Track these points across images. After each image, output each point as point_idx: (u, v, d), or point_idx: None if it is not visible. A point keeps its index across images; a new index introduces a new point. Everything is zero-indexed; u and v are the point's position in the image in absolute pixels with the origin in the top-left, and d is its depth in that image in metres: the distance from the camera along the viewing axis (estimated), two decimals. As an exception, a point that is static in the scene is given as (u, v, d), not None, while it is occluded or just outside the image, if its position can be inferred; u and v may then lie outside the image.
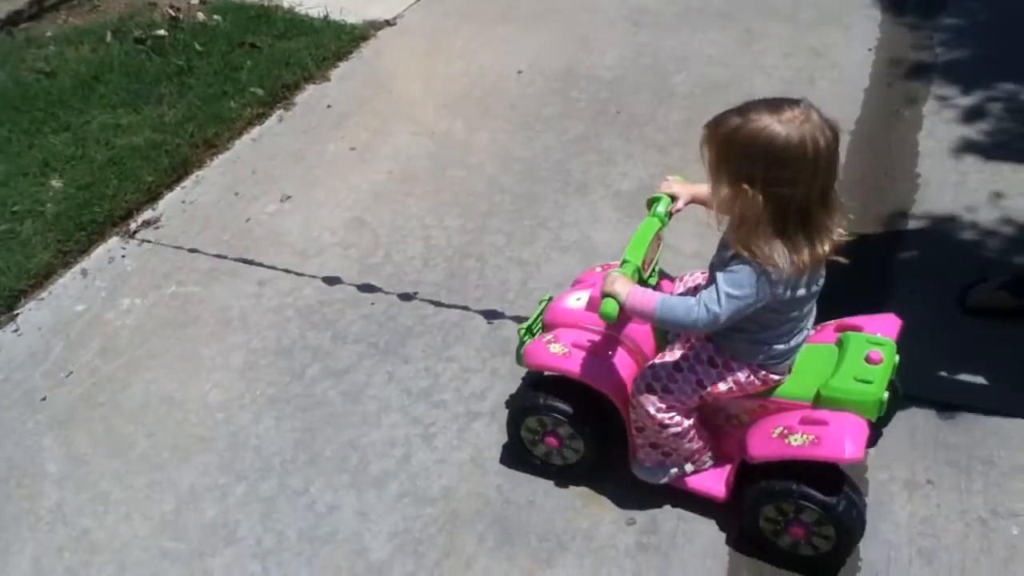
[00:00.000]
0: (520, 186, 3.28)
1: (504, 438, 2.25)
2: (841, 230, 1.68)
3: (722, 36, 4.22)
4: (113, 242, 3.14)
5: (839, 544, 1.86)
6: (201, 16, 4.58)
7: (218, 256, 3.04)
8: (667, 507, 2.09)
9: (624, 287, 1.79)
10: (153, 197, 3.36)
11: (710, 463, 2.04)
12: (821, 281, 1.78)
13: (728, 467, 2.00)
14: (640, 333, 2.03)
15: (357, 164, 3.51)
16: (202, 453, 2.34)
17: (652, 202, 2.03)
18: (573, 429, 2.05)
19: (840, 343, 1.93)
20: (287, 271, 2.96)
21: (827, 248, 1.66)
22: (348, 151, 3.60)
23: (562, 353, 1.99)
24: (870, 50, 3.97)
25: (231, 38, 4.37)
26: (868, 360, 1.84)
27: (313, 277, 2.93)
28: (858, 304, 2.29)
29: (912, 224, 2.93)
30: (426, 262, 2.94)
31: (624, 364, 1.99)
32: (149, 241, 3.13)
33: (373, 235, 3.10)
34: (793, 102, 1.60)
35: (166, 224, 3.22)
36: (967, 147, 3.27)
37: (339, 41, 4.42)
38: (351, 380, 2.52)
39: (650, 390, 1.90)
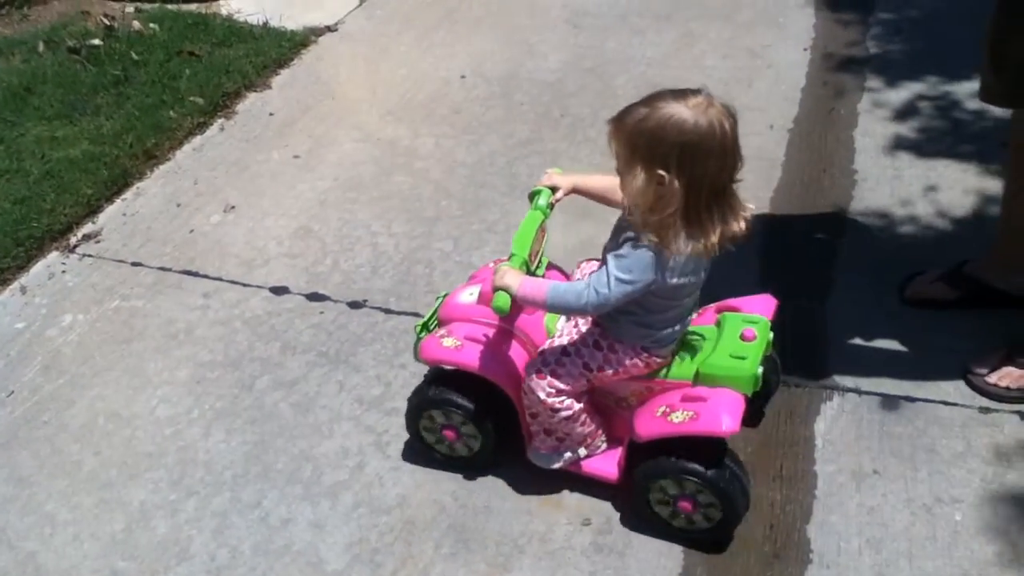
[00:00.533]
0: (466, 191, 3.29)
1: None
2: (745, 214, 1.75)
3: (662, 38, 4.28)
4: (53, 257, 3.08)
5: (727, 514, 1.94)
6: (137, 25, 4.50)
7: (162, 269, 2.99)
8: (623, 507, 2.11)
9: (515, 279, 1.85)
10: (93, 210, 3.30)
11: (603, 447, 2.10)
12: (703, 273, 1.85)
13: (620, 450, 2.06)
14: (530, 324, 2.09)
15: (302, 172, 3.48)
16: (151, 469, 2.30)
17: (533, 195, 2.09)
18: (470, 421, 2.10)
19: (719, 324, 2.02)
20: (233, 282, 2.93)
21: (741, 226, 1.74)
22: (292, 159, 3.57)
23: (455, 346, 2.04)
24: (806, 50, 4.06)
25: (169, 47, 4.30)
26: (743, 338, 1.93)
27: (260, 287, 2.90)
28: (799, 300, 2.35)
29: (850, 219, 3.01)
30: (375, 269, 2.94)
31: (516, 354, 2.05)
32: (90, 255, 3.07)
33: (320, 243, 3.08)
34: (695, 91, 1.67)
35: (107, 238, 3.16)
36: (901, 143, 3.37)
37: (280, 48, 4.38)
38: (302, 391, 2.50)
39: (539, 375, 1.94)
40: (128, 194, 3.41)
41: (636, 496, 2.01)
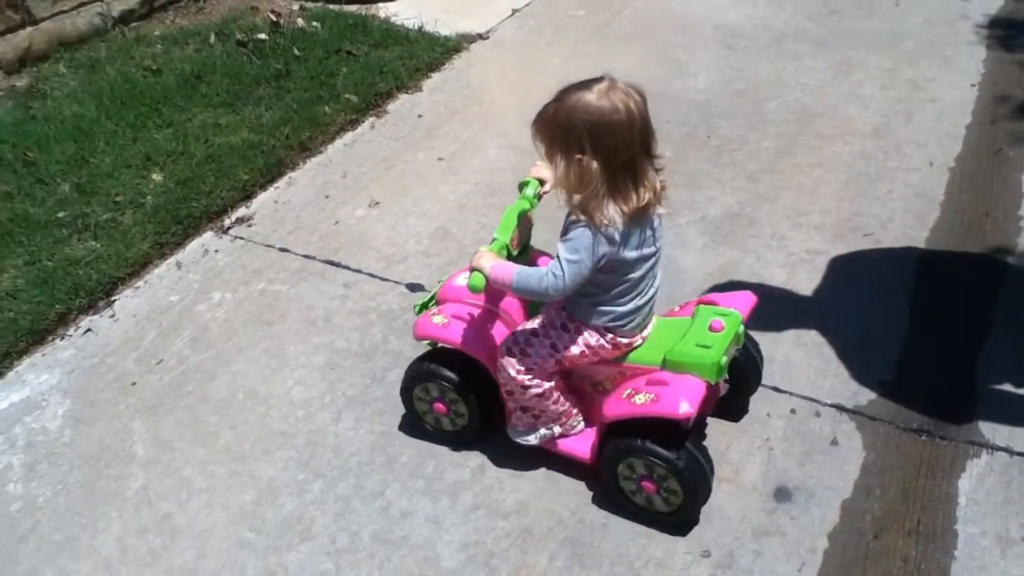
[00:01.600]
0: (606, 205, 3.27)
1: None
2: (661, 179, 1.90)
3: (818, 64, 4.15)
4: (207, 237, 3.24)
5: (686, 498, 2.01)
6: (301, 22, 4.71)
7: (307, 256, 3.11)
8: (745, 542, 2.05)
9: (488, 261, 2.00)
10: (247, 195, 3.46)
11: (580, 427, 2.20)
12: (654, 247, 1.96)
13: (594, 431, 2.16)
14: (513, 305, 2.21)
15: (445, 174, 3.55)
16: (283, 448, 2.39)
17: (522, 186, 2.20)
18: (458, 396, 2.22)
19: (694, 315, 2.11)
20: (372, 275, 3.01)
21: (657, 188, 1.88)
22: (436, 161, 3.65)
23: (442, 324, 2.20)
24: (973, 86, 3.86)
25: (328, 45, 4.48)
26: (711, 328, 2.02)
27: (397, 283, 2.97)
28: (950, 347, 2.22)
29: (1012, 266, 2.83)
30: (509, 275, 2.96)
31: (498, 333, 2.17)
32: (241, 238, 3.22)
33: (457, 245, 3.13)
34: (598, 78, 1.86)
35: (258, 222, 3.31)
36: (1074, 191, 3.16)
37: (432, 52, 4.49)
38: (430, 387, 2.54)
39: (510, 354, 2.07)
40: (281, 183, 3.56)
41: (605, 472, 2.10)
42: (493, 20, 4.91)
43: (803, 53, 4.26)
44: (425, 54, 4.45)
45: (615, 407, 2.03)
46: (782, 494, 2.16)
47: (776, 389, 2.44)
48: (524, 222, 2.15)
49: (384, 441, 2.38)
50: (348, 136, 3.87)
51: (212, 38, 4.54)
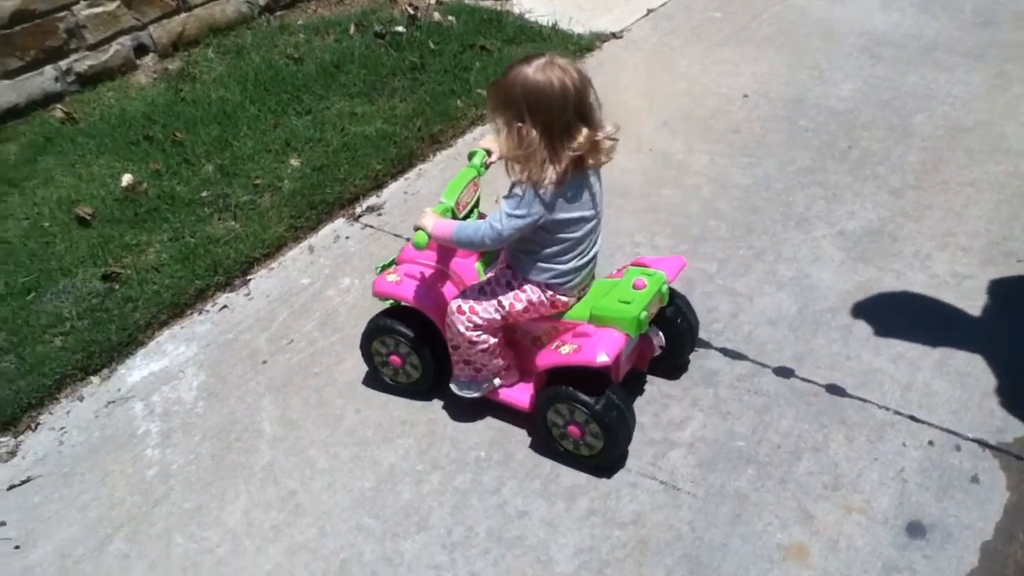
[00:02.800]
0: (737, 213, 3.20)
1: (702, 473, 2.21)
2: (609, 140, 2.10)
3: (971, 77, 3.94)
4: (339, 223, 3.33)
5: (607, 441, 2.18)
6: (437, 16, 4.77)
7: (433, 248, 3.15)
8: None
9: (430, 220, 2.19)
10: (378, 185, 3.53)
11: (517, 379, 2.40)
12: (594, 211, 2.14)
13: (531, 383, 2.35)
14: (463, 266, 2.36)
15: (573, 173, 3.53)
16: (403, 436, 2.43)
17: (471, 155, 2.39)
18: (411, 349, 2.40)
19: (623, 275, 2.29)
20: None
21: (600, 158, 2.09)
22: (565, 159, 3.63)
23: (395, 282, 2.39)
24: None
25: (463, 39, 4.52)
26: (634, 286, 2.21)
27: (521, 280, 2.97)
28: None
29: None
30: (634, 280, 2.92)
31: (448, 292, 2.35)
32: (371, 226, 3.29)
33: (583, 246, 3.11)
34: (539, 54, 2.05)
35: (388, 212, 3.37)
36: None
37: (565, 50, 4.46)
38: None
39: (459, 310, 2.23)
40: (411, 174, 3.62)
41: (538, 418, 2.28)
42: (628, 19, 4.86)
43: (954, 65, 4.05)
44: (558, 51, 4.44)
45: (545, 358, 2.22)
46: (915, 529, 2.06)
47: (913, 418, 2.33)
48: (471, 188, 2.35)
49: (502, 438, 2.39)
50: (478, 130, 3.90)
51: (351, 29, 4.65)
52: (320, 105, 3.98)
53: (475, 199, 2.38)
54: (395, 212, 3.37)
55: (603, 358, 2.09)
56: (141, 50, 4.39)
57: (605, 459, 2.23)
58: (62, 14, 4.01)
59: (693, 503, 2.16)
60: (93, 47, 4.18)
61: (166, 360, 2.76)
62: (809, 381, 2.48)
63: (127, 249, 3.13)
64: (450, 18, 4.74)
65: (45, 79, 4.03)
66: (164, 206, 3.32)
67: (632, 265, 2.36)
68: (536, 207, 2.05)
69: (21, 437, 2.54)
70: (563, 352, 2.16)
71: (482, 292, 2.25)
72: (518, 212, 2.06)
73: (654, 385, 2.50)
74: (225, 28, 4.67)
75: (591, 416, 2.15)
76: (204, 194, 3.38)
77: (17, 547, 2.21)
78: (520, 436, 2.39)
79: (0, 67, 3.85)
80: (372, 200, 3.46)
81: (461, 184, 2.31)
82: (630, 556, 2.06)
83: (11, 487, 2.38)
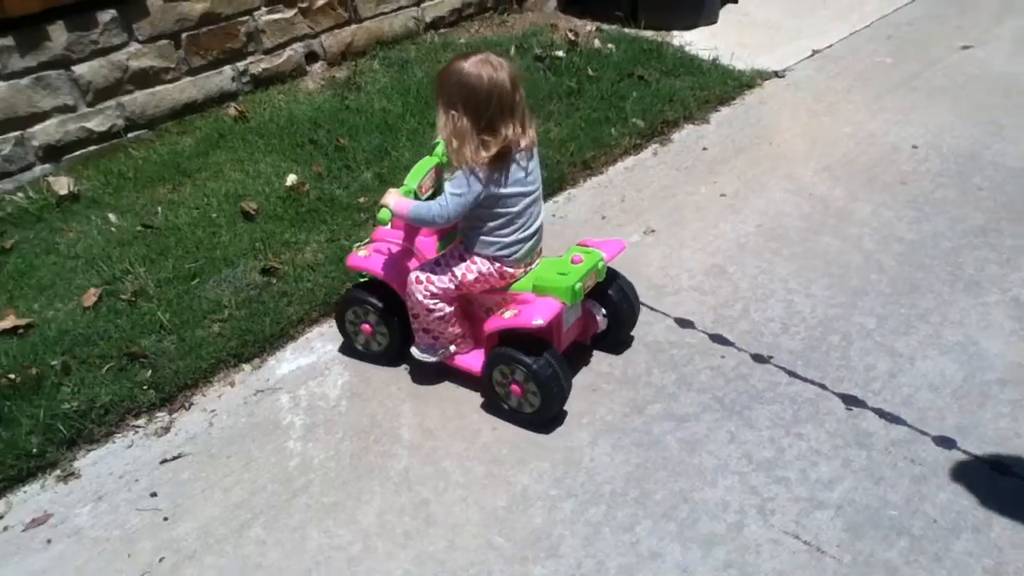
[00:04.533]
0: (901, 269, 3.05)
1: (850, 538, 2.10)
2: (530, 133, 2.39)
3: None
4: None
5: (544, 399, 2.42)
6: (597, 43, 4.79)
7: (579, 274, 3.14)
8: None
9: (393, 198, 2.47)
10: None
11: (471, 347, 2.64)
12: (530, 187, 2.41)
13: (483, 350, 2.59)
14: (426, 244, 2.62)
15: (726, 211, 3.47)
16: (538, 459, 2.41)
17: (434, 145, 2.62)
18: (379, 319, 2.66)
19: (565, 254, 2.53)
20: (640, 303, 2.98)
21: (522, 144, 2.34)
22: (718, 196, 3.57)
23: (364, 257, 2.67)
24: None
25: (621, 68, 4.52)
26: (572, 261, 2.48)
27: (666, 315, 2.92)
28: None
29: None
30: (785, 327, 2.83)
31: (411, 266, 2.59)
32: (519, 246, 3.31)
33: (733, 286, 3.04)
34: (479, 51, 2.33)
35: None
36: None
37: (724, 86, 4.41)
38: (691, 429, 2.47)
39: (418, 280, 2.49)
40: (560, 197, 3.63)
41: (485, 379, 2.52)
42: (791, 59, 4.76)
43: None
44: (717, 86, 4.39)
45: (492, 323, 2.47)
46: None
47: (1090, 510, 2.15)
48: (435, 173, 2.59)
49: (639, 474, 2.35)
50: (630, 160, 3.89)
51: (512, 51, 4.72)
52: (477, 122, 4.03)
53: (438, 185, 2.62)
54: (544, 234, 3.36)
55: (538, 321, 2.36)
56: (312, 57, 4.58)
57: (544, 415, 2.47)
58: (244, 19, 4.24)
59: (838, 569, 2.05)
60: (269, 51, 4.39)
61: (314, 356, 2.85)
62: (972, 455, 2.33)
63: (286, 246, 3.25)
64: (610, 46, 4.76)
65: (223, 78, 4.26)
66: (323, 208, 3.44)
67: (577, 244, 2.62)
68: (474, 185, 2.31)
69: (175, 415, 2.66)
70: (506, 317, 2.43)
71: (438, 264, 2.51)
72: (458, 191, 2.33)
73: (804, 441, 2.41)
74: (391, 41, 4.83)
75: (529, 375, 2.39)
76: (361, 199, 3.49)
77: (165, 518, 2.32)
78: (659, 476, 2.34)
79: (185, 64, 4.09)
80: (521, 219, 3.48)
81: (423, 170, 2.57)
82: (768, 615, 1.98)
83: (163, 461, 2.49)
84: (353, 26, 4.70)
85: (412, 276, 2.51)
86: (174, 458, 2.50)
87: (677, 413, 2.53)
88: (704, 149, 3.94)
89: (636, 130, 4.01)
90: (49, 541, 2.28)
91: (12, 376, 2.64)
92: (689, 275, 3.12)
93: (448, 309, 2.52)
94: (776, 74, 4.58)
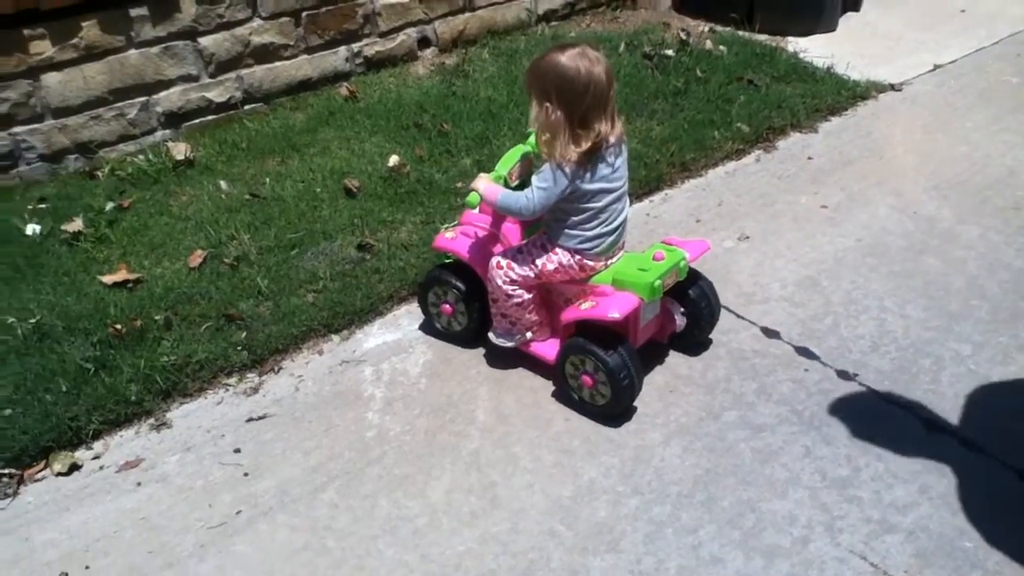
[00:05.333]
0: (1004, 297, 2.93)
1: (919, 565, 2.05)
2: (619, 128, 2.39)
3: None
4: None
5: (614, 392, 2.44)
6: (708, 44, 4.74)
7: (667, 275, 3.13)
8: None
9: (483, 183, 2.52)
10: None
11: (548, 335, 2.68)
12: (616, 183, 2.41)
13: (558, 340, 2.63)
14: (511, 231, 2.65)
15: (825, 223, 3.39)
16: (608, 454, 2.43)
17: (528, 135, 2.65)
18: (460, 299, 2.72)
19: (648, 250, 2.55)
20: (727, 309, 2.95)
21: (614, 133, 2.36)
22: (819, 208, 3.49)
23: (451, 238, 2.73)
24: None
25: (731, 71, 4.46)
26: (653, 258, 2.48)
27: (752, 324, 2.89)
28: None
29: None
30: (875, 346, 2.76)
31: (496, 249, 2.63)
32: (610, 242, 3.32)
33: (824, 300, 2.97)
34: (575, 44, 2.33)
35: (627, 231, 3.37)
36: None
37: (837, 96, 4.30)
38: (766, 440, 2.44)
39: (499, 266, 2.54)
40: (656, 197, 3.62)
41: (559, 369, 2.55)
42: (910, 72, 4.60)
43: None
44: (829, 95, 4.28)
45: (568, 313, 2.50)
46: None
47: None
48: (525, 162, 2.63)
49: (707, 479, 2.33)
50: (731, 165, 3.83)
51: (621, 47, 4.71)
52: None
53: (528, 174, 2.63)
54: (635, 233, 3.37)
55: (614, 314, 2.37)
56: (424, 42, 4.68)
57: (613, 408, 2.48)
58: (363, 1, 4.36)
59: (904, 594, 2.01)
60: (383, 34, 4.51)
61: (399, 333, 2.93)
62: (1060, 495, 2.23)
63: (383, 224, 3.35)
64: (721, 48, 4.69)
65: (338, 58, 4.40)
66: (421, 190, 3.53)
67: (661, 242, 2.63)
68: (560, 181, 2.33)
69: (264, 377, 2.78)
70: (583, 308, 2.46)
71: (520, 252, 2.55)
72: (543, 185, 2.36)
73: (881, 462, 2.35)
74: (502, 31, 4.89)
75: (601, 367, 2.41)
76: (459, 185, 3.55)
77: (246, 474, 2.43)
78: (727, 483, 2.32)
79: (303, 43, 4.25)
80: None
81: (515, 157, 2.62)
82: (825, 633, 1.94)
83: (249, 420, 2.61)
84: (466, 14, 4.77)
85: (493, 261, 2.56)
86: (260, 418, 2.62)
87: (753, 422, 2.50)
88: (809, 159, 3.85)
89: (740, 135, 3.96)
90: (139, 484, 2.42)
91: (119, 326, 2.81)
92: (780, 285, 3.07)
93: (526, 296, 2.55)
94: (892, 87, 4.44)
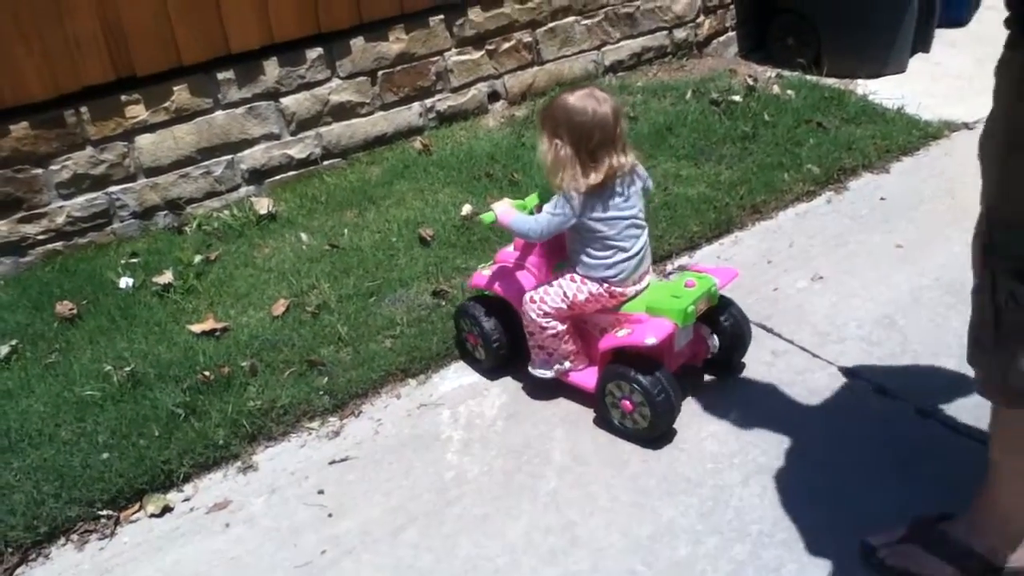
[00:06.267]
0: (1093, 333, 2.85)
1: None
2: (629, 161, 2.54)
3: None
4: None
5: (653, 416, 2.52)
6: (776, 89, 4.77)
7: (740, 316, 3.13)
8: None
9: (501, 206, 2.70)
10: (693, 246, 3.58)
11: (586, 364, 2.77)
12: (627, 212, 2.54)
13: (596, 368, 2.72)
14: (539, 265, 2.80)
15: (901, 262, 3.35)
16: (686, 494, 2.42)
17: None
18: (481, 333, 2.86)
19: (679, 277, 2.66)
20: (803, 349, 2.94)
21: (619, 164, 2.49)
22: (894, 247, 3.46)
23: (486, 275, 2.88)
24: None
25: (799, 114, 4.48)
26: (685, 285, 2.58)
27: (829, 363, 2.86)
28: None
29: None
30: (956, 384, 2.70)
31: (527, 284, 2.78)
32: (681, 285, 3.34)
33: (902, 339, 2.94)
34: (584, 86, 2.57)
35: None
36: None
37: (908, 136, 4.28)
38: (852, 478, 2.41)
39: (532, 300, 2.66)
40: (727, 240, 3.63)
41: (598, 396, 2.65)
42: (982, 111, 4.40)
43: None
44: (900, 136, 4.26)
45: (605, 341, 2.60)
46: None
47: None
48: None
49: (789, 517, 2.31)
50: (802, 206, 3.83)
51: (688, 94, 4.78)
52: (648, 163, 4.06)
53: None
54: (707, 274, 3.39)
55: (651, 340, 2.45)
56: (494, 96, 4.82)
57: (652, 432, 2.57)
58: (435, 59, 4.53)
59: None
60: (455, 90, 4.66)
61: (475, 376, 2.98)
62: None
63: (457, 271, 3.43)
64: (789, 92, 4.72)
65: (412, 114, 4.56)
66: (494, 238, 3.61)
67: (689, 268, 2.83)
68: (568, 210, 2.50)
69: (345, 420, 2.86)
70: (619, 335, 2.55)
71: (551, 285, 2.66)
72: (556, 212, 2.52)
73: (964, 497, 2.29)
74: (570, 82, 5.00)
75: (641, 392, 2.49)
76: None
77: (330, 515, 2.49)
78: (808, 521, 2.29)
79: (379, 100, 4.42)
80: (684, 259, 3.52)
81: (541, 196, 2.81)
82: (917, 676, 1.89)
83: (332, 462, 2.69)
84: (535, 68, 4.91)
85: (527, 296, 2.68)
86: (342, 460, 2.69)
87: (833, 462, 2.47)
88: (882, 199, 3.82)
89: (811, 176, 3.96)
90: (228, 525, 2.50)
91: (207, 373, 2.93)
92: (857, 325, 3.04)
93: (561, 327, 2.66)
94: (966, 126, 4.39)
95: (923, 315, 3.03)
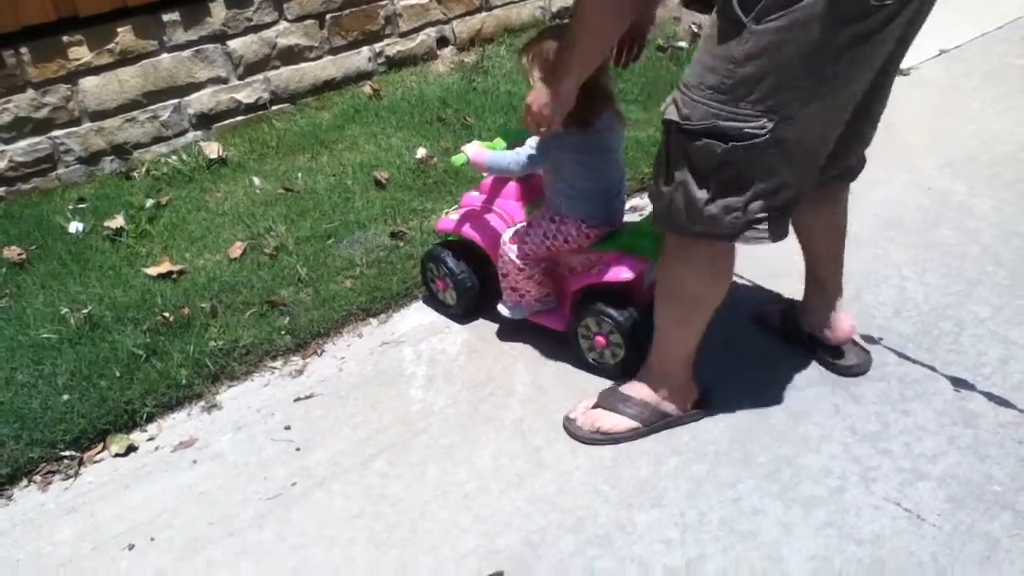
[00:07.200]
0: (1020, 263, 3.03)
1: (951, 508, 2.15)
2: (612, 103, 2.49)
3: None
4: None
5: (627, 350, 2.59)
6: (719, 36, 4.84)
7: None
8: None
9: (472, 148, 2.64)
10: (644, 187, 3.66)
11: (554, 304, 2.79)
12: (606, 151, 2.54)
13: (566, 307, 2.74)
14: (512, 207, 2.80)
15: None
16: (645, 419, 2.53)
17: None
18: (452, 277, 2.88)
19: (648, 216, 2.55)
20: (752, 282, 3.05)
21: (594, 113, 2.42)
22: (835, 187, 3.58)
23: (455, 219, 2.87)
24: None
25: (743, 60, 4.56)
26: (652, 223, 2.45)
27: (780, 294, 2.99)
28: None
29: None
30: (897, 312, 2.86)
31: (498, 226, 2.79)
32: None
33: (846, 271, 3.05)
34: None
35: (647, 210, 3.48)
36: None
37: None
38: (796, 398, 2.55)
39: (512, 240, 2.67)
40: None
41: (571, 334, 2.70)
42: (917, 58, 4.70)
43: None
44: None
45: (578, 280, 2.66)
46: None
47: None
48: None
49: (743, 438, 2.43)
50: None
51: (635, 40, 4.82)
52: (598, 107, 4.17)
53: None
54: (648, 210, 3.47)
55: (625, 275, 2.53)
56: (442, 42, 4.81)
57: (623, 367, 2.61)
58: (384, 3, 4.49)
59: (938, 535, 2.10)
60: (404, 35, 4.64)
61: (435, 315, 3.03)
62: (1084, 442, 2.33)
63: (413, 213, 3.46)
64: (732, 39, 4.80)
65: (361, 59, 4.52)
66: (449, 180, 3.64)
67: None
68: (548, 147, 2.49)
69: (308, 359, 2.89)
70: (593, 273, 2.61)
71: (530, 226, 2.66)
72: (535, 144, 2.50)
73: (909, 417, 2.45)
74: (518, 29, 5.02)
75: (615, 326, 2.56)
76: (485, 174, 3.66)
77: (297, 449, 2.54)
78: (764, 440, 2.42)
79: (327, 44, 4.37)
80: (636, 201, 3.60)
81: (515, 134, 2.73)
82: (866, 572, 2.03)
83: (297, 399, 2.72)
84: (483, 14, 4.90)
85: (505, 236, 2.69)
86: (307, 397, 2.72)
87: (780, 383, 2.60)
88: (822, 141, 3.95)
89: (754, 120, 4.05)
90: (195, 462, 2.53)
91: (167, 315, 2.92)
92: (801, 258, 3.15)
93: (537, 268, 2.68)
94: (901, 72, 4.53)
95: (864, 248, 3.17)
